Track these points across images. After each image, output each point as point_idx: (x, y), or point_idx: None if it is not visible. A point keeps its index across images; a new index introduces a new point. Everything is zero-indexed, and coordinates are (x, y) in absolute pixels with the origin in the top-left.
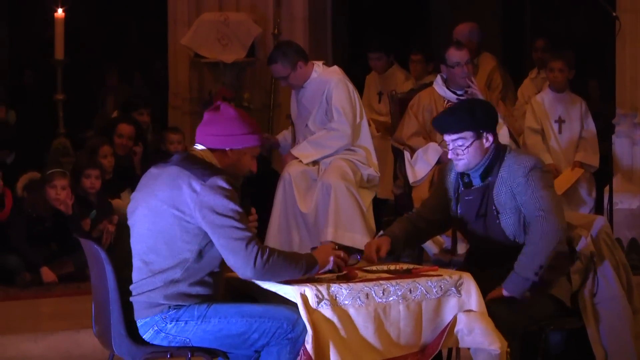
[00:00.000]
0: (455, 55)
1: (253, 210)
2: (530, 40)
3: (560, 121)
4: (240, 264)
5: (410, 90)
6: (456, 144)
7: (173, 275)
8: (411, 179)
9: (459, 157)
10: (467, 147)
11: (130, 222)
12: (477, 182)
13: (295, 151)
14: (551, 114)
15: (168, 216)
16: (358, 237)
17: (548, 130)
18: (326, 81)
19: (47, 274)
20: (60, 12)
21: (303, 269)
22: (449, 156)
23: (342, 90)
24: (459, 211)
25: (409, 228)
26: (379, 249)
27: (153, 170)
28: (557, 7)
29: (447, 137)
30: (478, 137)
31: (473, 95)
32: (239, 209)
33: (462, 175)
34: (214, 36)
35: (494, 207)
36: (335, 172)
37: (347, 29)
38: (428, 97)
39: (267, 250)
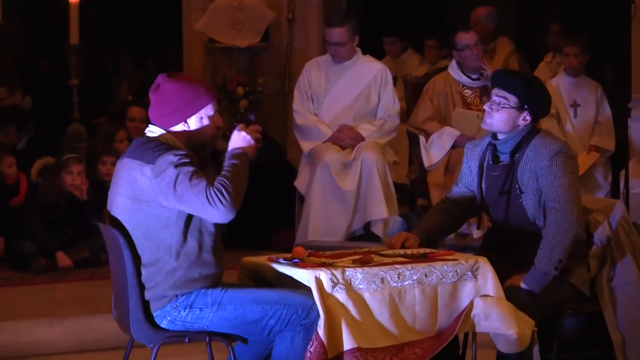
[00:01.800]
0: (463, 37)
1: (258, 127)
2: (545, 25)
3: (575, 105)
4: (216, 216)
5: (424, 74)
6: (497, 99)
7: (167, 265)
8: (426, 164)
9: (492, 112)
10: (503, 107)
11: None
12: (505, 158)
13: (362, 131)
14: (566, 99)
15: (135, 210)
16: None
17: (563, 115)
18: (374, 66)
19: (63, 259)
20: None
21: (246, 169)
22: (484, 107)
23: (392, 78)
24: (483, 186)
25: (443, 218)
26: (406, 241)
27: (117, 165)
28: None
29: (495, 91)
30: (519, 108)
31: (488, 78)
32: (189, 168)
33: (494, 148)
34: (228, 21)
35: (517, 186)
36: (373, 150)
37: (361, 14)
38: (443, 81)
39: (221, 187)
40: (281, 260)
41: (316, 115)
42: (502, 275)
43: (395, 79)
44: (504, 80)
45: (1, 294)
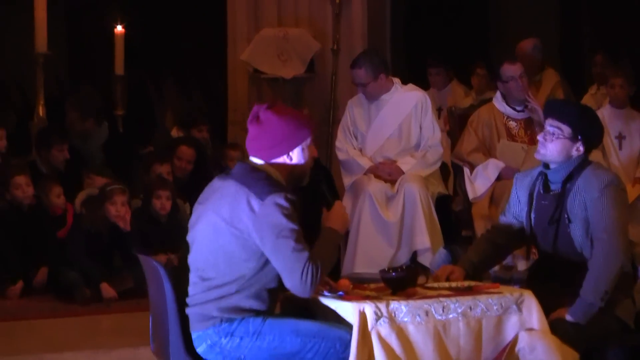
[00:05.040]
0: (508, 69)
1: (338, 203)
2: (589, 56)
3: (620, 137)
4: (298, 288)
5: (469, 105)
6: (551, 129)
7: (229, 290)
8: (471, 195)
9: (546, 142)
10: (557, 138)
11: (190, 237)
12: (556, 187)
13: (403, 165)
14: (611, 130)
15: (227, 234)
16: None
17: (608, 147)
18: (414, 95)
19: (107, 290)
20: (119, 28)
21: (337, 254)
22: (538, 137)
23: (432, 106)
24: (533, 215)
25: (488, 248)
26: (451, 274)
27: (215, 183)
28: (616, 21)
29: (549, 121)
30: (572, 138)
31: (533, 110)
32: (296, 227)
33: (545, 177)
34: (273, 52)
35: (566, 215)
36: (416, 181)
37: (405, 45)
38: (487, 112)
39: (319, 266)
40: (326, 293)
41: (361, 150)
42: (549, 307)
43: (439, 110)
44: (558, 110)
45: (46, 324)
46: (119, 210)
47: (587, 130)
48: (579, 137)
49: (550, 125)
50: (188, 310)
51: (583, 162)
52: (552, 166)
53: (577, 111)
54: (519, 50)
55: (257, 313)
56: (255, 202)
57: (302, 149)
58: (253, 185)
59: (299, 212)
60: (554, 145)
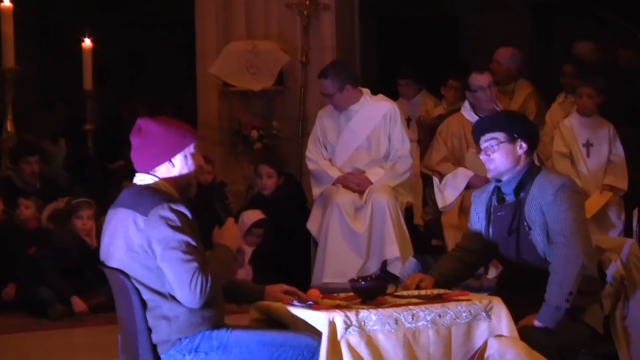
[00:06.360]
0: (477, 79)
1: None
2: (559, 65)
3: (588, 145)
4: (187, 298)
5: (438, 116)
6: (488, 144)
7: (168, 312)
8: (440, 205)
9: (490, 158)
10: (497, 145)
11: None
12: (510, 198)
13: (371, 176)
14: (579, 138)
15: (129, 260)
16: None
17: (576, 155)
18: (383, 106)
19: (78, 304)
20: (87, 42)
21: (228, 269)
22: (481, 157)
23: (401, 117)
24: (491, 229)
25: (457, 265)
26: (421, 282)
27: (108, 215)
28: (586, 31)
29: (482, 139)
30: (511, 140)
31: None
32: (185, 238)
33: (498, 190)
34: (242, 65)
35: (525, 223)
36: (384, 192)
37: (375, 56)
38: (456, 122)
39: (209, 278)
40: (295, 303)
41: (330, 160)
42: (518, 314)
43: (409, 120)
44: (485, 124)
45: (17, 340)
46: (85, 224)
47: (520, 127)
48: (516, 136)
49: (485, 141)
50: (152, 337)
51: (533, 169)
52: (504, 178)
53: (502, 115)
54: (496, 57)
55: (214, 324)
56: (140, 220)
57: (185, 157)
58: (138, 205)
59: (189, 222)
60: (498, 155)
